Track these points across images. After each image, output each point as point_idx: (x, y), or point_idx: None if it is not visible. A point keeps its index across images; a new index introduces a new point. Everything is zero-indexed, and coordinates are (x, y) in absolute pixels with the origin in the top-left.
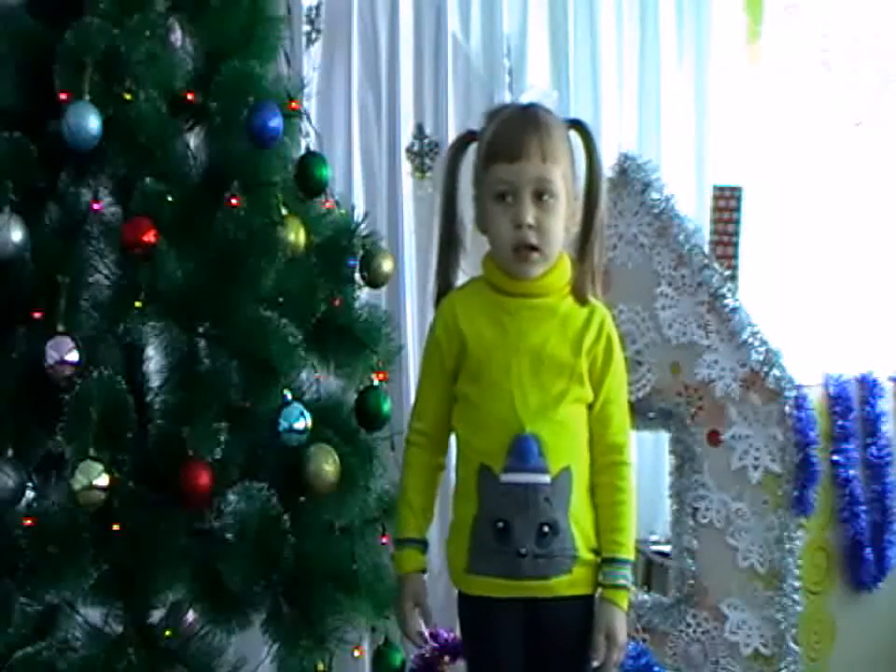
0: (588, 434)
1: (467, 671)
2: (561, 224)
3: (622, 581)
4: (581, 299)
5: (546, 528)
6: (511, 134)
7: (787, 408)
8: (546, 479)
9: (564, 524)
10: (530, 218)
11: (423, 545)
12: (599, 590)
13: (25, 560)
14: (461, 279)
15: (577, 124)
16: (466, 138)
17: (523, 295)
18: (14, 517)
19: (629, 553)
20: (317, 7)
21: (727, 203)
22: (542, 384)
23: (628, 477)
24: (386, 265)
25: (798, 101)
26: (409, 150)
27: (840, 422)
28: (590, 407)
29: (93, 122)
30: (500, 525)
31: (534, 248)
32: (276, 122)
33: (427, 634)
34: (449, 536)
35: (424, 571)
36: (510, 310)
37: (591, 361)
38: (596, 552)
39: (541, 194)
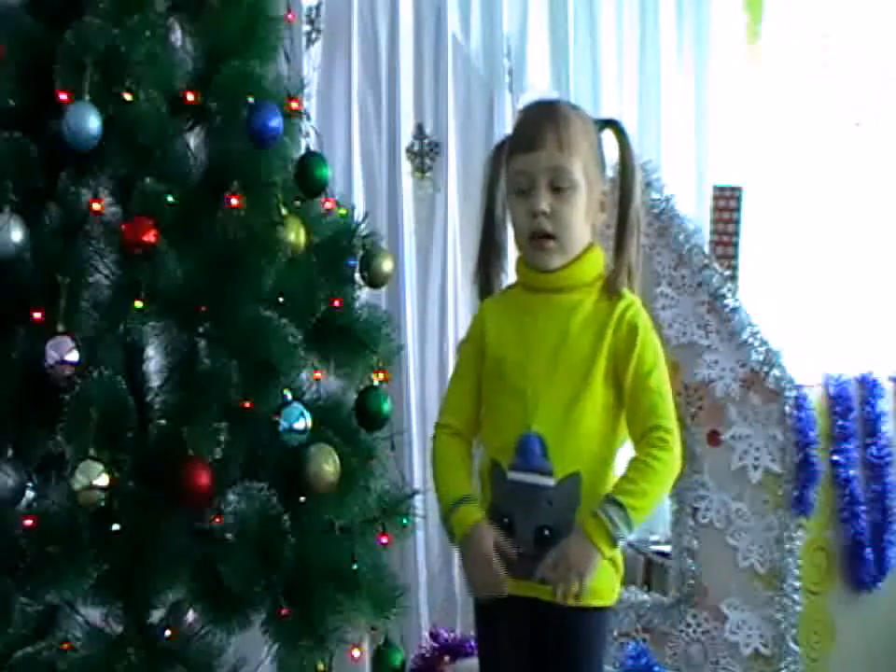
0: (613, 441)
1: (479, 661)
2: (580, 215)
3: (599, 514)
4: (610, 292)
5: (546, 532)
6: (529, 125)
7: (787, 408)
8: (549, 482)
9: (567, 530)
10: (545, 206)
11: (473, 500)
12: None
13: (25, 560)
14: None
15: (611, 124)
16: (504, 143)
17: (548, 290)
18: (14, 517)
19: (628, 500)
20: (317, 7)
21: (727, 203)
22: (557, 383)
23: (665, 455)
24: (386, 265)
25: (798, 101)
26: (409, 150)
27: (840, 422)
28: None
29: (93, 122)
30: (506, 520)
31: (549, 236)
32: (276, 122)
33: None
34: None
35: (483, 520)
36: (532, 309)
37: (614, 356)
38: (615, 562)
39: (558, 183)
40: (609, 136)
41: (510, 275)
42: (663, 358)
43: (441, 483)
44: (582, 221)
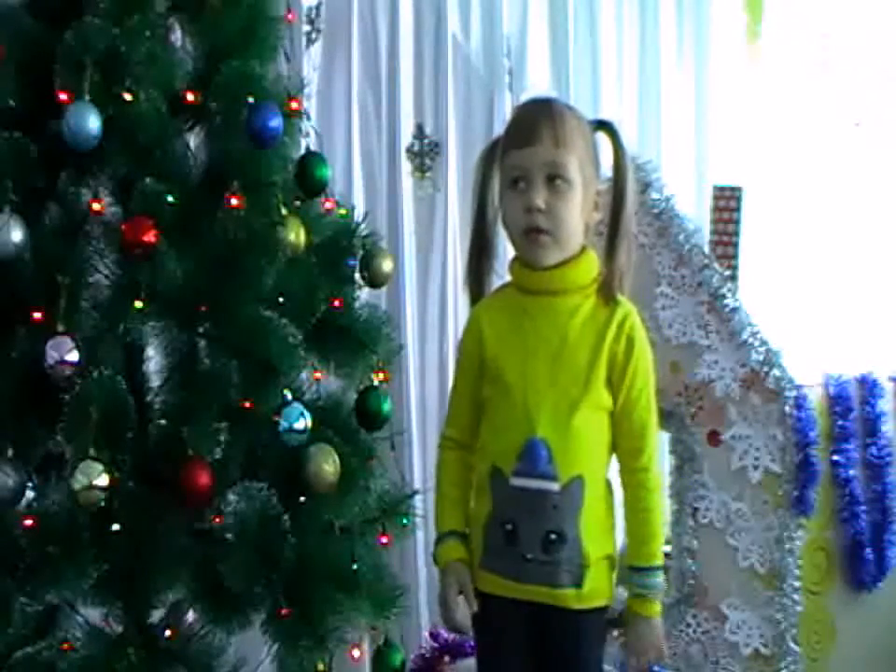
0: (609, 441)
1: (476, 665)
2: (576, 213)
3: (638, 590)
4: (606, 298)
5: (553, 536)
6: (525, 121)
7: (787, 408)
8: (555, 487)
9: (573, 533)
10: (540, 201)
11: (462, 537)
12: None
13: (25, 560)
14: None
15: (604, 125)
16: (496, 142)
17: (544, 292)
18: (14, 517)
19: (647, 560)
20: (317, 7)
21: (727, 203)
22: (558, 388)
23: (646, 485)
24: (386, 265)
25: (798, 101)
26: (409, 150)
27: (840, 422)
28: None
29: (93, 122)
30: (509, 527)
31: (543, 231)
32: (276, 122)
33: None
34: (469, 530)
35: (465, 560)
36: (530, 311)
37: (611, 363)
38: (613, 559)
39: (553, 178)
40: (604, 139)
41: (501, 276)
42: (652, 373)
43: (437, 504)
44: (577, 218)
